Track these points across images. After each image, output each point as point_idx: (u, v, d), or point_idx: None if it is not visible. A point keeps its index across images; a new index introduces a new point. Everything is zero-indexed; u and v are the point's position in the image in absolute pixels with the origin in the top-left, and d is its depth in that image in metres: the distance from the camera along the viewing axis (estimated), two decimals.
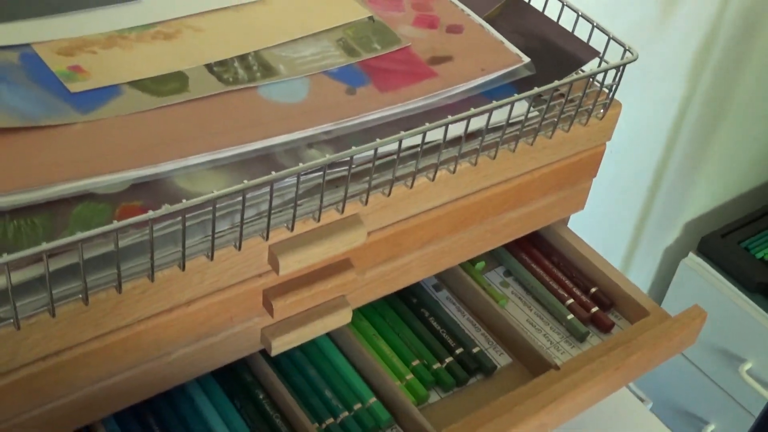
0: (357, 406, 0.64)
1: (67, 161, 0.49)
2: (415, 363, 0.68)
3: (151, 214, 0.46)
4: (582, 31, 0.66)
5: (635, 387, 1.12)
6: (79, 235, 0.43)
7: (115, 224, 0.44)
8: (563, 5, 0.68)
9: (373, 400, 0.65)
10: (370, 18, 0.65)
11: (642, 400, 1.06)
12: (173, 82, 0.56)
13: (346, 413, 0.64)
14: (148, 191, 0.50)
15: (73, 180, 0.48)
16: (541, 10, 0.69)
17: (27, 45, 0.57)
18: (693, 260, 1.62)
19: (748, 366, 1.56)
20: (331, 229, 0.55)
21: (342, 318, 0.60)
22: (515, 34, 0.67)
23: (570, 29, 0.67)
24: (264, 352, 0.60)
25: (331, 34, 0.63)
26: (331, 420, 0.64)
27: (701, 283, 1.62)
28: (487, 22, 0.67)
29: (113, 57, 0.57)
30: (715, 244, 1.60)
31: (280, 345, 0.58)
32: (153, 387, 0.55)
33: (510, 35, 0.66)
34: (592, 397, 0.65)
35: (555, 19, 0.68)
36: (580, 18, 0.66)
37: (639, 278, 1.74)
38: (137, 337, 0.51)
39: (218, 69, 0.58)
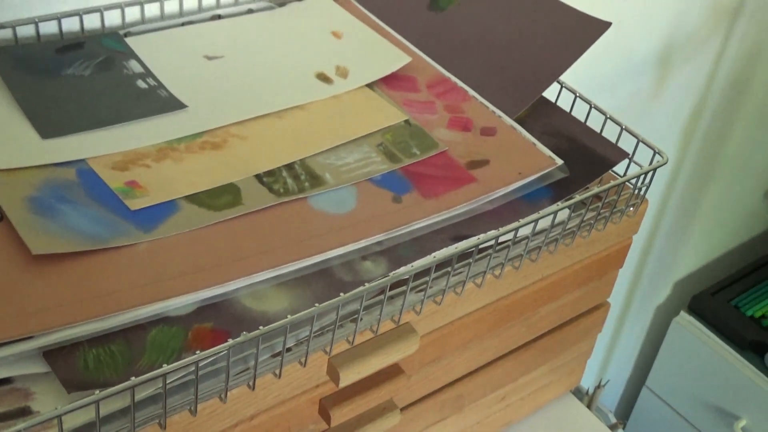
0: None
1: (136, 285, 0.50)
2: None
3: (230, 342, 0.46)
4: (609, 131, 0.69)
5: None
6: (165, 369, 0.44)
7: (198, 354, 0.45)
8: (591, 107, 0.71)
9: None
10: (407, 122, 0.67)
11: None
12: (227, 194, 0.58)
13: None
14: (217, 311, 0.51)
15: (145, 305, 0.49)
16: (568, 110, 0.71)
17: (82, 161, 0.58)
18: (684, 319, 1.65)
19: (742, 423, 1.58)
20: (386, 338, 0.57)
21: (392, 420, 0.61)
22: (545, 135, 0.69)
23: (597, 129, 0.69)
24: None
25: (370, 139, 0.65)
26: None
27: (693, 341, 1.64)
28: (518, 122, 0.69)
29: (166, 170, 0.59)
30: (706, 302, 1.64)
31: None
32: None
33: (540, 136, 0.68)
34: None
35: (582, 120, 0.71)
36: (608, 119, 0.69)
37: (631, 337, 1.77)
38: None
39: (268, 179, 0.60)
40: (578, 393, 1.01)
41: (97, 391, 0.43)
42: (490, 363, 0.70)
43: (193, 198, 0.57)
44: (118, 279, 0.50)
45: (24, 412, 0.44)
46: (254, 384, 0.51)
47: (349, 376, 0.55)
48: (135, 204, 0.55)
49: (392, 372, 0.60)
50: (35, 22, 0.69)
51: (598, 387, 1.09)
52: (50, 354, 0.46)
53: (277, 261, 0.54)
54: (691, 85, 1.38)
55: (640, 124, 1.01)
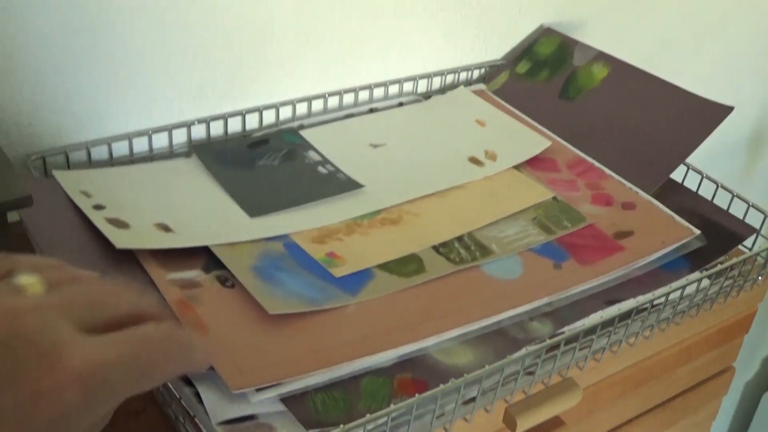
0: None
1: (350, 341, 0.58)
2: None
3: (441, 388, 0.54)
4: (736, 207, 0.76)
5: None
6: (391, 408, 0.52)
7: (417, 397, 0.53)
8: (717, 186, 0.78)
9: None
10: (554, 198, 0.75)
11: None
12: (411, 263, 0.66)
13: None
14: (414, 364, 0.58)
15: (358, 358, 0.57)
16: (695, 190, 0.79)
17: (286, 236, 0.67)
18: None
19: None
20: (554, 390, 0.63)
21: None
22: (678, 213, 0.76)
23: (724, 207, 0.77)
24: None
25: (525, 214, 0.73)
26: None
27: None
28: None
29: (356, 243, 0.67)
30: None
31: None
32: None
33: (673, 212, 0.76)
34: None
35: (710, 198, 0.78)
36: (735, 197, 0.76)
37: (721, 416, 1.78)
38: None
39: (443, 250, 0.68)
40: None
41: (341, 426, 0.50)
42: (632, 420, 0.76)
43: (383, 266, 0.65)
44: (335, 336, 0.58)
45: None
46: (451, 428, 0.58)
47: (524, 424, 0.62)
48: (338, 272, 0.64)
49: (555, 422, 0.66)
50: (225, 118, 0.79)
51: None
52: (285, 399, 0.54)
53: (462, 321, 0.61)
54: None
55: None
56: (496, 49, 0.96)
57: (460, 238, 0.69)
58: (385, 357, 0.58)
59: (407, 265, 0.66)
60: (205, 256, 0.63)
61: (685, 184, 0.80)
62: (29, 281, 0.34)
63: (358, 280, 0.64)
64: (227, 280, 0.61)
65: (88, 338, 0.32)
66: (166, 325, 0.36)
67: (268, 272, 0.62)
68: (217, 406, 0.52)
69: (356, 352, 0.57)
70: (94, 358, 0.32)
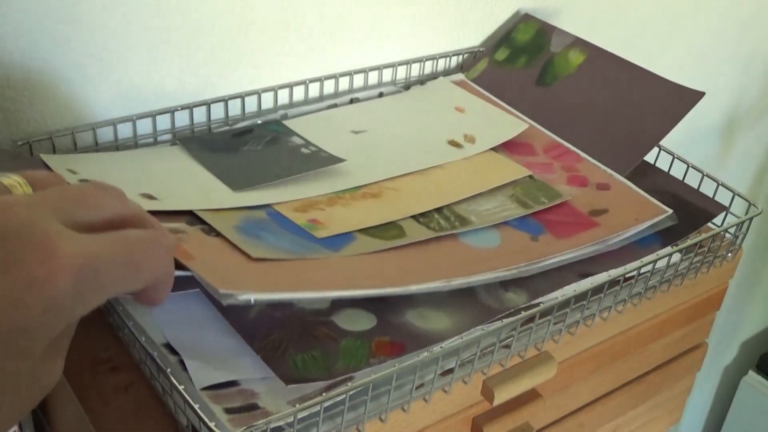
0: None
1: (333, 279, 0.60)
2: None
3: (420, 358, 0.56)
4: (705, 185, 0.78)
5: None
6: (373, 377, 0.54)
7: (397, 367, 0.55)
8: (688, 167, 0.80)
9: None
10: (531, 177, 0.77)
11: None
12: (392, 229, 0.68)
13: None
14: (392, 328, 0.60)
15: (342, 290, 0.58)
16: (666, 170, 0.81)
17: (268, 205, 0.69)
18: (753, 378, 1.71)
19: None
20: (530, 363, 0.65)
21: None
22: (650, 192, 0.78)
23: (695, 186, 0.79)
24: None
25: (503, 190, 0.75)
26: None
27: (762, 400, 1.69)
28: None
29: (338, 212, 0.69)
30: None
31: None
32: None
33: (647, 193, 0.78)
34: None
35: (681, 178, 0.80)
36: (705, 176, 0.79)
37: (701, 399, 1.82)
38: None
39: (423, 220, 0.70)
40: None
41: (323, 395, 0.52)
42: (607, 394, 0.79)
43: (365, 231, 0.67)
44: (317, 274, 0.60)
45: (252, 407, 0.54)
46: (431, 398, 0.60)
47: (501, 396, 0.64)
48: (320, 234, 0.66)
49: (532, 396, 0.68)
50: (208, 104, 0.81)
51: None
52: (267, 359, 0.56)
53: (440, 277, 0.63)
54: (754, 153, 1.47)
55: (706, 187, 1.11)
56: (474, 36, 0.98)
57: (439, 210, 0.72)
58: (368, 293, 0.59)
59: (388, 231, 0.68)
60: (189, 216, 0.65)
61: (658, 165, 0.82)
62: (16, 181, 0.36)
63: (339, 241, 0.65)
64: (212, 231, 0.63)
65: (79, 234, 0.34)
66: (152, 230, 0.38)
67: (251, 231, 0.64)
68: (200, 373, 0.54)
69: (339, 285, 0.59)
70: (85, 250, 0.33)
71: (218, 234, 0.63)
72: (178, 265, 0.55)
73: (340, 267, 0.62)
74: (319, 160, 0.75)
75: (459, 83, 0.91)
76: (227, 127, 0.81)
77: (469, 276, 0.64)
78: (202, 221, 0.64)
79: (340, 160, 0.75)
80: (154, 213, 0.62)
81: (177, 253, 0.57)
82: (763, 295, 1.73)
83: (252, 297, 0.54)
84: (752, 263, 1.67)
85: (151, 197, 0.66)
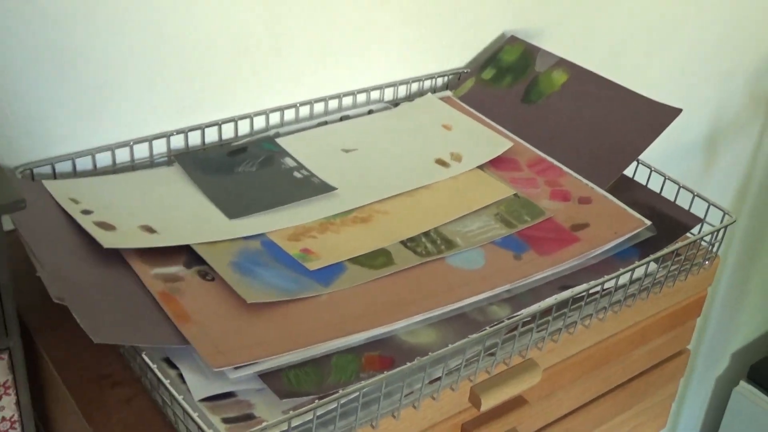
0: None
1: (322, 326, 0.63)
2: None
3: (408, 365, 0.59)
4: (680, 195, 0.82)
5: None
6: (363, 384, 0.57)
7: (386, 374, 0.58)
8: (665, 179, 0.84)
9: None
10: (516, 195, 0.80)
11: None
12: (381, 257, 0.71)
13: None
14: (382, 343, 0.63)
15: (330, 340, 0.61)
16: (644, 183, 0.84)
17: (263, 234, 0.72)
18: (745, 388, 1.73)
19: None
20: (516, 371, 0.68)
21: None
22: (629, 205, 0.81)
23: (671, 198, 0.82)
24: None
25: (488, 210, 0.78)
26: None
27: (754, 409, 1.72)
28: None
29: (329, 239, 0.72)
30: (765, 371, 1.72)
31: None
32: None
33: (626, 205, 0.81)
34: None
35: (657, 190, 0.83)
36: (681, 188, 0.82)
37: (693, 409, 1.84)
38: None
39: (411, 244, 0.73)
40: None
41: (315, 401, 0.55)
42: (593, 401, 0.81)
43: (354, 260, 0.70)
44: (308, 322, 0.63)
45: (249, 417, 0.57)
46: (420, 405, 0.62)
47: (489, 402, 0.66)
48: (312, 266, 0.68)
49: (518, 402, 0.71)
50: (202, 128, 0.84)
51: None
52: (262, 374, 0.59)
53: (428, 307, 0.66)
54: (736, 166, 1.51)
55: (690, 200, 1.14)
56: (459, 57, 1.01)
57: (426, 233, 0.74)
58: (356, 339, 0.62)
59: (377, 258, 0.71)
60: (186, 254, 0.68)
61: (636, 179, 0.86)
62: None
63: (330, 272, 0.68)
64: (207, 274, 0.66)
65: None
66: None
67: (246, 267, 0.67)
68: (198, 385, 0.57)
69: (328, 334, 0.62)
70: None
71: (214, 278, 0.66)
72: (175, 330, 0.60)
73: (331, 306, 0.65)
74: (312, 187, 0.78)
75: (446, 99, 0.95)
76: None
77: (455, 303, 0.67)
78: (198, 258, 0.67)
79: (332, 189, 0.78)
80: (153, 250, 0.66)
81: (173, 313, 0.61)
82: (752, 306, 1.76)
83: (242, 374, 0.57)
84: (740, 274, 1.70)
85: (150, 230, 0.69)
